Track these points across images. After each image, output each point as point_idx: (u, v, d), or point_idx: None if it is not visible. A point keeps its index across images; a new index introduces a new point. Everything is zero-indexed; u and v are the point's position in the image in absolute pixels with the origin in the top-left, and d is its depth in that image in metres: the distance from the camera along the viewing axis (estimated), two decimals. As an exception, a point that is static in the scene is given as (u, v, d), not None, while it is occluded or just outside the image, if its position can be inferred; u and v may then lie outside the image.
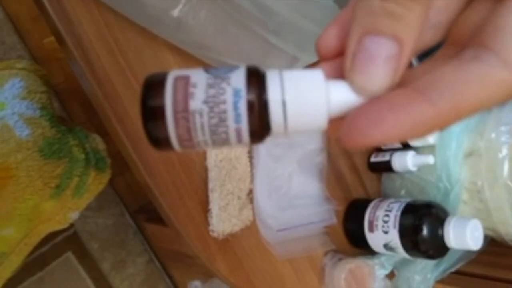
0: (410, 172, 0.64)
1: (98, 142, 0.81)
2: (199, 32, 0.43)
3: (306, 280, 0.59)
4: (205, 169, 0.52)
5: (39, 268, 1.18)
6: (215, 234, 0.50)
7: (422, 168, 0.64)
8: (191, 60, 0.50)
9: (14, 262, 0.72)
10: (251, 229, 0.55)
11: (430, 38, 0.19)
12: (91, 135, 0.81)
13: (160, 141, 0.18)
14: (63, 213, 0.73)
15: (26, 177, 0.62)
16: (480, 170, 0.57)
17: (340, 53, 0.18)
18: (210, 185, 0.50)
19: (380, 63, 0.17)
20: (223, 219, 0.50)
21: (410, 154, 0.63)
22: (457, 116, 0.16)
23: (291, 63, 0.52)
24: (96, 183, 0.77)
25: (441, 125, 0.16)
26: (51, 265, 1.20)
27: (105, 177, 0.80)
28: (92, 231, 1.28)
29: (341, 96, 0.18)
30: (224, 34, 0.44)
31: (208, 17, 0.42)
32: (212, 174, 0.50)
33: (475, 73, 0.16)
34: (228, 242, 0.53)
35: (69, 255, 1.24)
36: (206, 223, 0.51)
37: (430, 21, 0.19)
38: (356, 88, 0.17)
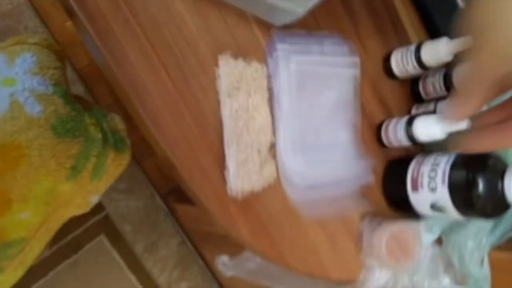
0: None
1: (117, 121, 0.77)
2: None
3: (340, 246, 0.53)
4: (220, 122, 0.46)
5: (73, 251, 1.19)
6: (233, 193, 0.44)
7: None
8: (201, 2, 0.44)
9: (36, 248, 0.70)
10: (276, 189, 0.48)
11: None
12: (110, 114, 0.77)
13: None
14: (82, 196, 0.70)
15: (39, 156, 0.59)
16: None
17: None
18: (226, 138, 0.44)
19: None
20: (242, 176, 0.44)
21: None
22: None
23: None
24: (115, 164, 0.73)
25: None
26: (84, 248, 1.21)
27: (125, 159, 0.76)
28: (123, 214, 1.28)
29: None
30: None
31: None
32: (227, 126, 0.44)
33: None
34: (250, 203, 0.47)
35: (102, 238, 1.24)
36: (224, 181, 0.45)
37: None
38: None
